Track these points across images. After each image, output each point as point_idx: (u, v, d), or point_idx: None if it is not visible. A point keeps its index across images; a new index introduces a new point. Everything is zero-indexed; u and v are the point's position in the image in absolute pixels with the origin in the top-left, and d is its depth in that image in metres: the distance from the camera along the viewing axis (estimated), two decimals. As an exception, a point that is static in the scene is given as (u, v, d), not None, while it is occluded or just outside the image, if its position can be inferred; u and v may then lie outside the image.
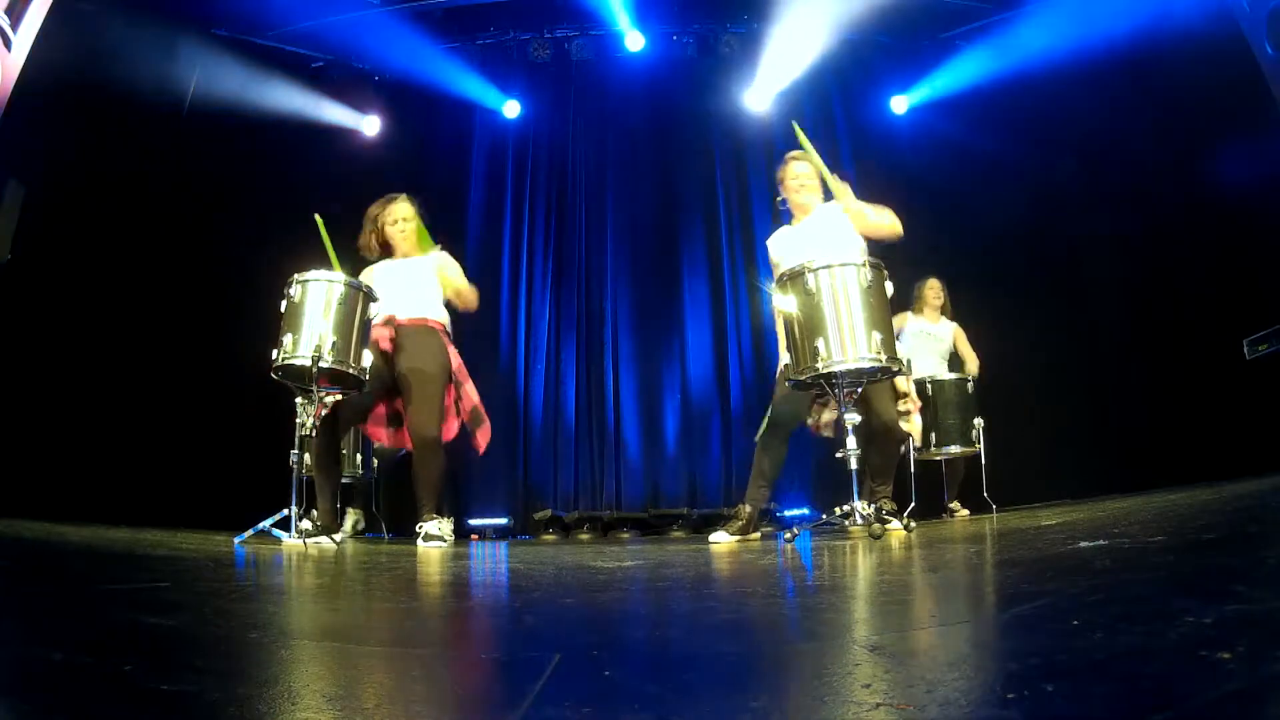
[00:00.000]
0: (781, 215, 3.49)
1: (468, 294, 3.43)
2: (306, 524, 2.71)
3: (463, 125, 6.11)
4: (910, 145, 5.64)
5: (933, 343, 4.40)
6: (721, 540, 2.97)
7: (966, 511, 4.25)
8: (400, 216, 3.38)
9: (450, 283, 3.37)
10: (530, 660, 0.82)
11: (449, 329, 3.36)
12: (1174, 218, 4.30)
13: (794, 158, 3.28)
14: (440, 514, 3.13)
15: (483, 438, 3.33)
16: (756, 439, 3.18)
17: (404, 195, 3.45)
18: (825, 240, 3.07)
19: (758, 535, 3.17)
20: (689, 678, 0.75)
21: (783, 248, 3.26)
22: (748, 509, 3.10)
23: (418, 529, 3.05)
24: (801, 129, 3.27)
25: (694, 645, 0.98)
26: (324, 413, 2.95)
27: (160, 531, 3.05)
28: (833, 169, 3.23)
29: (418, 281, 3.32)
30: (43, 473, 3.55)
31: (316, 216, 3.42)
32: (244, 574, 1.80)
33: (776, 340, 3.25)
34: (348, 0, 5.54)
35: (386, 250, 3.43)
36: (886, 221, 3.13)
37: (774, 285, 2.89)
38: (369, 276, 3.30)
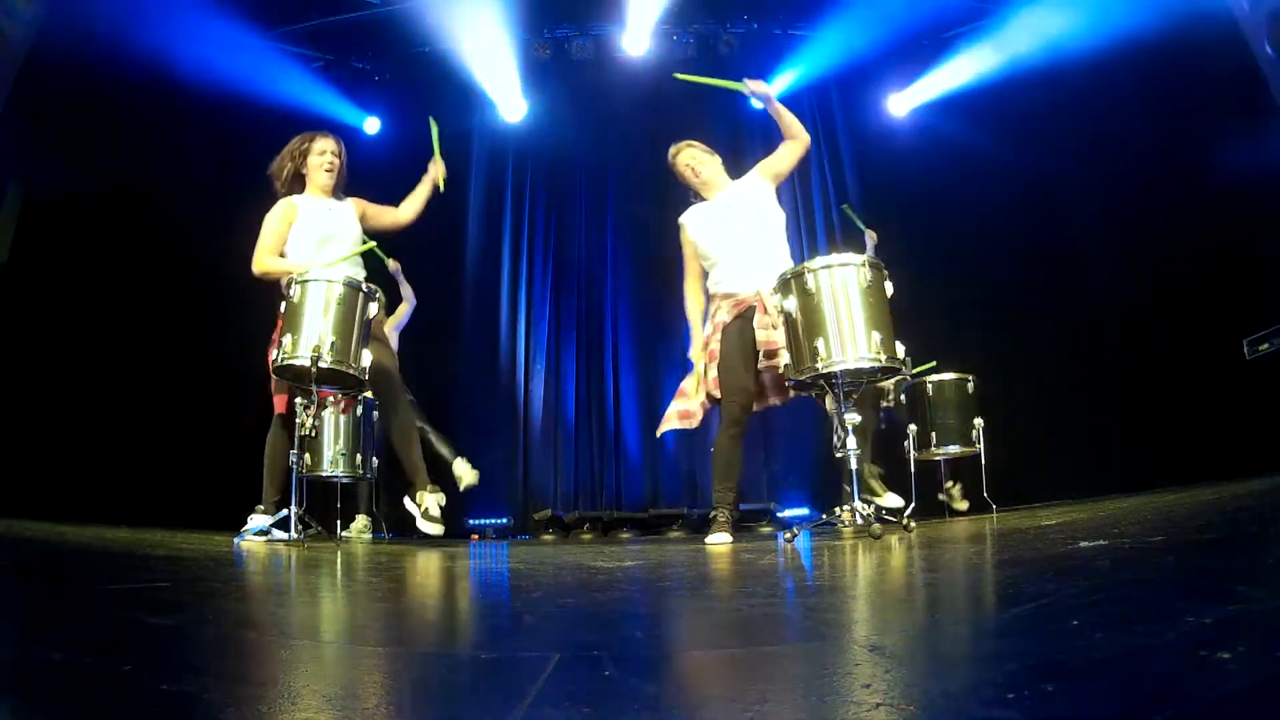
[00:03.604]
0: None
1: (406, 213, 3.46)
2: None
3: (463, 125, 6.10)
4: (910, 145, 5.64)
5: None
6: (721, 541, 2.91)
7: (967, 503, 4.23)
8: (330, 150, 3.29)
9: (380, 220, 3.39)
10: (530, 660, 0.82)
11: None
12: (1174, 217, 4.30)
13: (676, 150, 3.32)
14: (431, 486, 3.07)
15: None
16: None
17: (332, 135, 3.37)
18: (746, 211, 3.13)
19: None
20: (689, 678, 0.75)
21: (700, 224, 3.23)
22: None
23: (418, 501, 3.01)
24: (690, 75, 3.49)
25: (694, 646, 0.98)
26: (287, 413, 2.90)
27: (160, 531, 3.05)
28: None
29: (348, 238, 3.19)
30: (43, 473, 3.56)
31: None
32: (244, 574, 1.80)
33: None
34: (348, 0, 5.54)
35: (296, 184, 3.24)
36: (799, 132, 3.17)
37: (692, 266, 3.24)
38: (284, 211, 3.12)
